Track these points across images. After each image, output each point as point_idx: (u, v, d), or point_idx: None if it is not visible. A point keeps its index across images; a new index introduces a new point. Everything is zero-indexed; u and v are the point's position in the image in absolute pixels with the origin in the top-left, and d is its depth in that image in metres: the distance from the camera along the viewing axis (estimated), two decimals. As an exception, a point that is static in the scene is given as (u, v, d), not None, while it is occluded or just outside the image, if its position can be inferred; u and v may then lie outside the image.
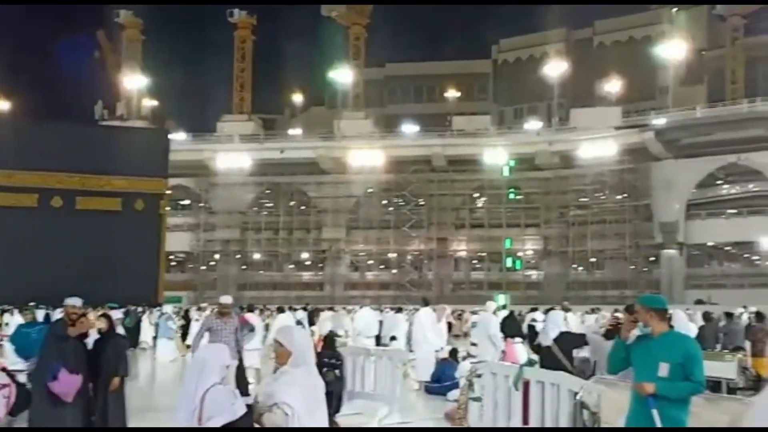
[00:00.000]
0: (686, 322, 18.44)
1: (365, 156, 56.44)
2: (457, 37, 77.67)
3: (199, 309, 24.49)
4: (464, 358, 15.93)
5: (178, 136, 55.38)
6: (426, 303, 17.34)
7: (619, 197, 53.94)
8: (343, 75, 63.24)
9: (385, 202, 58.66)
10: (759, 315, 16.35)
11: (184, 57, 76.04)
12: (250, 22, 65.79)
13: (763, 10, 61.25)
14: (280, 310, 22.73)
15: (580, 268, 55.20)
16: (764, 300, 34.63)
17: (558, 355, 10.57)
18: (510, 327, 16.80)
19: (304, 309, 29.59)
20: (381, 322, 22.28)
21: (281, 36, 69.23)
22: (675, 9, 67.78)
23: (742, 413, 5.03)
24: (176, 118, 61.66)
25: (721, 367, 12.06)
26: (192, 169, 55.76)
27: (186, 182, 56.83)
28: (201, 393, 4.55)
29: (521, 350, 16.35)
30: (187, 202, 60.02)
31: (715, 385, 11.51)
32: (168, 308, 25.63)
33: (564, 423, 7.08)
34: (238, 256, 59.28)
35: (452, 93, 67.48)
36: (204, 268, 58.88)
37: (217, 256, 59.33)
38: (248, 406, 4.78)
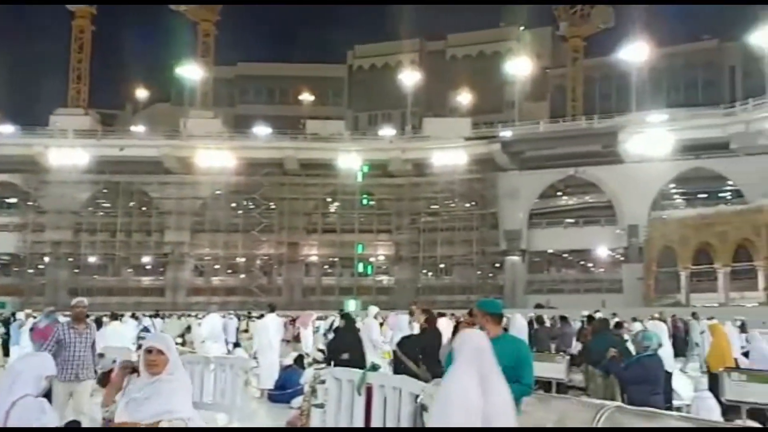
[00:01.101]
0: (525, 326, 18.89)
1: (213, 156, 54.30)
2: (312, 40, 77.23)
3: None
4: (310, 365, 15.32)
5: (4, 129, 51.84)
6: (272, 309, 16.54)
7: (467, 205, 55.39)
8: (191, 71, 60.81)
9: (233, 204, 56.78)
10: (590, 318, 16.81)
11: (15, 44, 70.43)
12: (89, 11, 61.90)
13: (601, 34, 65.59)
14: (113, 317, 20.76)
15: (430, 274, 56.10)
16: (596, 304, 36.53)
17: (402, 358, 10.25)
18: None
19: (156, 315, 27.88)
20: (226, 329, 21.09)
21: (124, 28, 65.40)
22: (522, 28, 71.05)
23: (569, 412, 5.52)
24: (3, 109, 57.06)
25: (552, 368, 12.57)
26: (20, 165, 52.22)
27: (13, 179, 53.35)
28: (8, 404, 4.29)
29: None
30: (13, 200, 56.17)
31: (547, 385, 11.91)
32: (21, 315, 23.75)
33: (405, 425, 6.96)
34: (71, 259, 55.54)
35: (306, 96, 66.89)
36: (31, 271, 54.84)
37: (46, 259, 55.26)
38: (75, 421, 4.86)
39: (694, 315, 20.18)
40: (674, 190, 52.31)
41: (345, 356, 11.38)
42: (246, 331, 20.70)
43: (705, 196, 51.27)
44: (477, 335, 4.17)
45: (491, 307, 5.41)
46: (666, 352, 13.96)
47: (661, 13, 61.43)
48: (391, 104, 67.34)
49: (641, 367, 7.46)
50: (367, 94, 71.11)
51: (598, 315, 20.22)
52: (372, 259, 55.95)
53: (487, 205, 54.22)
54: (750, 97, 51.33)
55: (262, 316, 24.17)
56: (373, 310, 17.76)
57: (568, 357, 14.16)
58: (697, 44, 66.76)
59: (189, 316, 28.85)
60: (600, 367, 8.83)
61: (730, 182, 49.83)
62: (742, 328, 21.67)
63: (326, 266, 58.14)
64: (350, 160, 54.08)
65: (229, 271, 57.17)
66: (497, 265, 54.83)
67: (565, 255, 55.96)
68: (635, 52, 56.57)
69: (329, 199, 57.88)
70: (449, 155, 53.99)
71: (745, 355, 15.64)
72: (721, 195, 50.75)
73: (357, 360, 11.03)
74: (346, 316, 12.47)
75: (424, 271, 56.09)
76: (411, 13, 63.01)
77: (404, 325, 17.78)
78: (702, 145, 48.73)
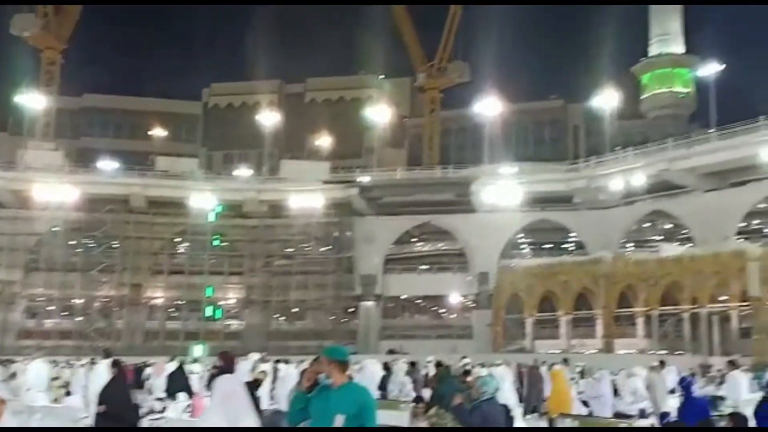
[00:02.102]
0: (377, 372, 18.38)
1: (53, 191, 50.41)
2: (166, 76, 74.97)
3: None
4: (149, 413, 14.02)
5: None
6: (107, 354, 15.01)
7: (323, 249, 54.75)
8: (32, 100, 56.73)
9: (72, 242, 52.75)
10: (439, 364, 16.72)
11: None
12: None
13: (457, 87, 68.21)
14: None
15: (282, 318, 54.66)
16: (448, 350, 36.75)
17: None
18: (176, 382, 14.84)
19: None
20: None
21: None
22: (382, 76, 72.60)
23: None
24: None
25: (396, 415, 12.49)
26: None
27: None
28: None
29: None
30: None
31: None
32: None
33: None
34: None
35: (157, 132, 64.21)
36: None
37: None
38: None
39: (565, 361, 21.00)
40: (522, 240, 54.40)
41: (101, 408, 9.99)
42: (56, 378, 18.78)
43: (550, 246, 53.70)
44: (229, 381, 4.02)
45: (337, 354, 5.38)
46: (506, 396, 13.86)
47: (514, 71, 64.99)
48: (248, 144, 66.19)
49: (480, 412, 7.66)
50: (223, 133, 69.61)
51: (466, 361, 20.10)
52: (222, 303, 53.64)
53: (343, 249, 53.88)
54: (592, 154, 54.94)
55: (94, 362, 22.04)
56: (255, 356, 17.04)
57: (413, 403, 13.80)
58: (545, 103, 70.99)
59: (14, 362, 26.04)
60: (449, 410, 8.70)
61: (572, 234, 52.49)
62: (582, 375, 22.21)
63: (171, 309, 55.16)
64: (202, 200, 52.07)
65: (65, 313, 52.79)
66: (351, 309, 54.35)
67: (419, 301, 56.51)
68: (488, 107, 59.16)
69: (178, 239, 55.28)
70: (306, 198, 53.38)
71: (584, 403, 15.84)
72: (564, 246, 53.32)
73: (115, 414, 9.86)
74: (114, 363, 10.95)
75: (276, 315, 54.59)
76: (270, 54, 62.62)
77: (247, 371, 17.03)
78: (548, 198, 51.25)
